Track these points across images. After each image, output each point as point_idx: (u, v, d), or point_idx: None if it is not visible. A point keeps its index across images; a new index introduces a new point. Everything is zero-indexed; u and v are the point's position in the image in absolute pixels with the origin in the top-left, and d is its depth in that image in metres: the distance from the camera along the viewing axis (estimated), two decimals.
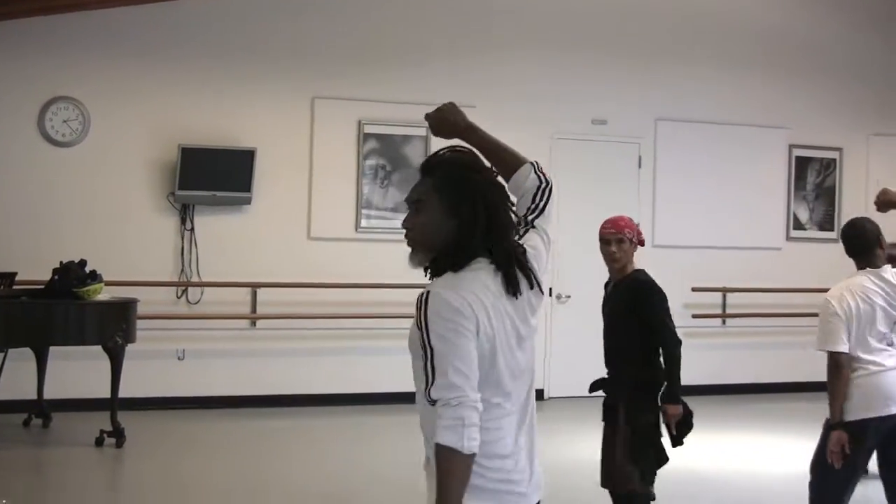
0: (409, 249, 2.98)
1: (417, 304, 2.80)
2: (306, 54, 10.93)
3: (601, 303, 5.73)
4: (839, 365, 5.06)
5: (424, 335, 2.75)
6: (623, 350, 5.51)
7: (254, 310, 10.74)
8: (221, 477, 8.09)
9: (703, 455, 8.36)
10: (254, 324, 10.80)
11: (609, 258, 5.53)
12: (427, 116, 3.29)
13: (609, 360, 5.64)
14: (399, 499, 7.30)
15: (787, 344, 12.08)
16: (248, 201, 10.61)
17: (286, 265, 10.78)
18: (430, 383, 2.73)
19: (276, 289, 10.69)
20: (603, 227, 5.56)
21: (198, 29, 10.66)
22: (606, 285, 5.70)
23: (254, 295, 10.72)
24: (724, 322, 12.31)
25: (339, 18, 11.05)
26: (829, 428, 5.08)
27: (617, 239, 5.47)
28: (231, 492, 7.70)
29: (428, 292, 2.80)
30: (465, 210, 2.88)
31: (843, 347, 5.05)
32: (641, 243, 5.58)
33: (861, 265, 5.23)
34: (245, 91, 10.75)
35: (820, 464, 5.14)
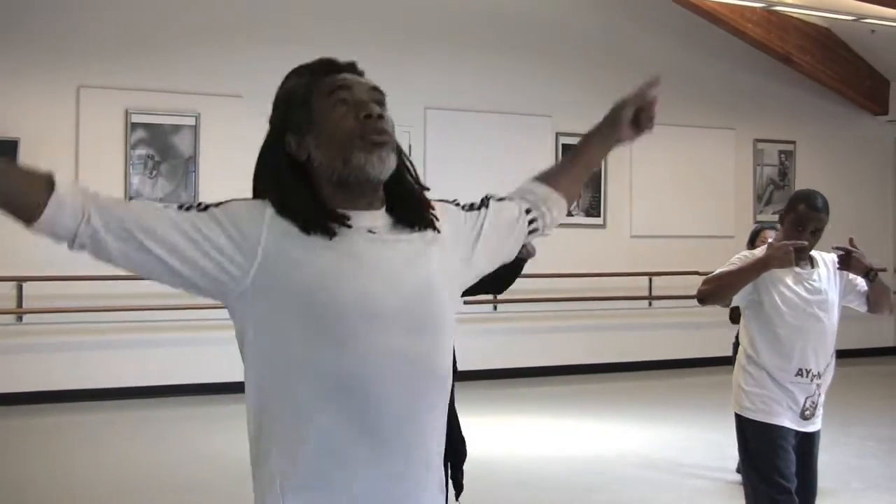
0: (384, 152, 2.34)
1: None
2: (71, 42, 10.66)
3: None
4: None
5: None
6: None
7: (20, 304, 10.47)
8: None
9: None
10: (20, 318, 10.53)
11: None
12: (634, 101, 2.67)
13: None
14: (179, 494, 7.31)
15: (554, 328, 12.28)
16: None
17: (54, 258, 10.45)
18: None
19: (44, 282, 10.45)
20: None
21: None
22: None
23: (19, 289, 10.45)
24: (495, 308, 12.44)
25: (104, 4, 10.84)
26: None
27: None
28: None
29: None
30: None
31: None
32: None
33: None
34: (6, 79, 10.43)
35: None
